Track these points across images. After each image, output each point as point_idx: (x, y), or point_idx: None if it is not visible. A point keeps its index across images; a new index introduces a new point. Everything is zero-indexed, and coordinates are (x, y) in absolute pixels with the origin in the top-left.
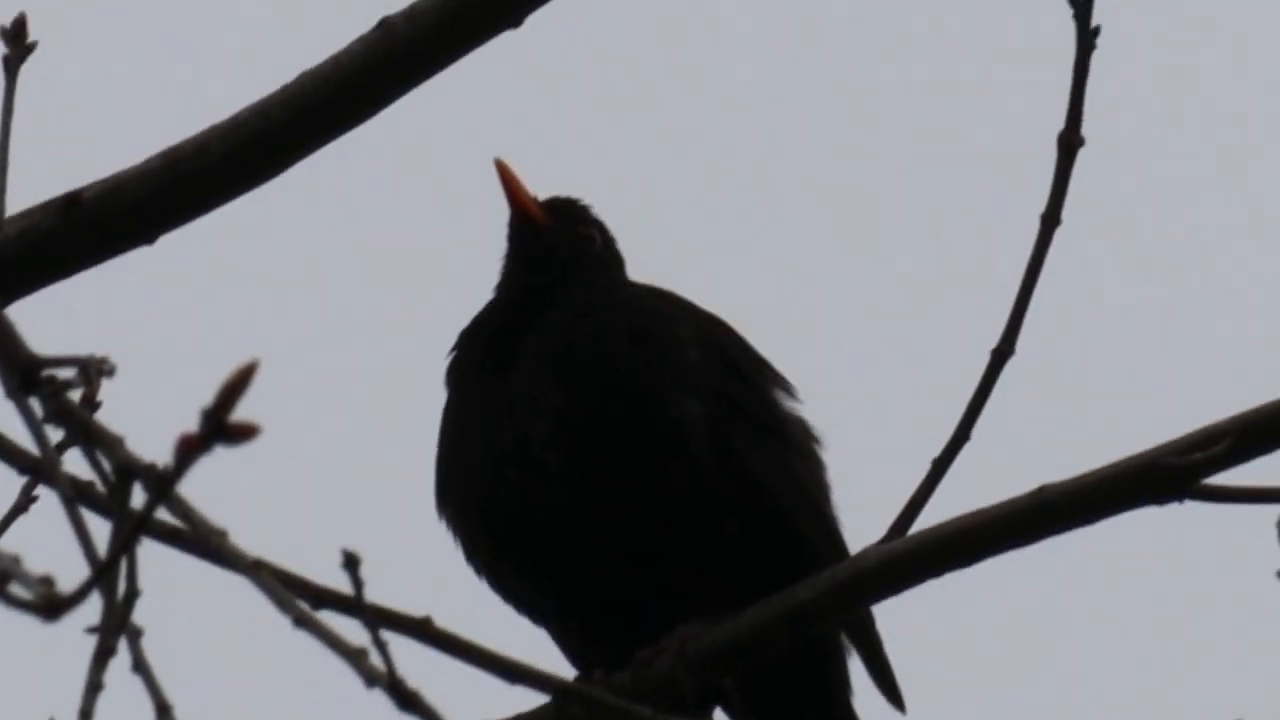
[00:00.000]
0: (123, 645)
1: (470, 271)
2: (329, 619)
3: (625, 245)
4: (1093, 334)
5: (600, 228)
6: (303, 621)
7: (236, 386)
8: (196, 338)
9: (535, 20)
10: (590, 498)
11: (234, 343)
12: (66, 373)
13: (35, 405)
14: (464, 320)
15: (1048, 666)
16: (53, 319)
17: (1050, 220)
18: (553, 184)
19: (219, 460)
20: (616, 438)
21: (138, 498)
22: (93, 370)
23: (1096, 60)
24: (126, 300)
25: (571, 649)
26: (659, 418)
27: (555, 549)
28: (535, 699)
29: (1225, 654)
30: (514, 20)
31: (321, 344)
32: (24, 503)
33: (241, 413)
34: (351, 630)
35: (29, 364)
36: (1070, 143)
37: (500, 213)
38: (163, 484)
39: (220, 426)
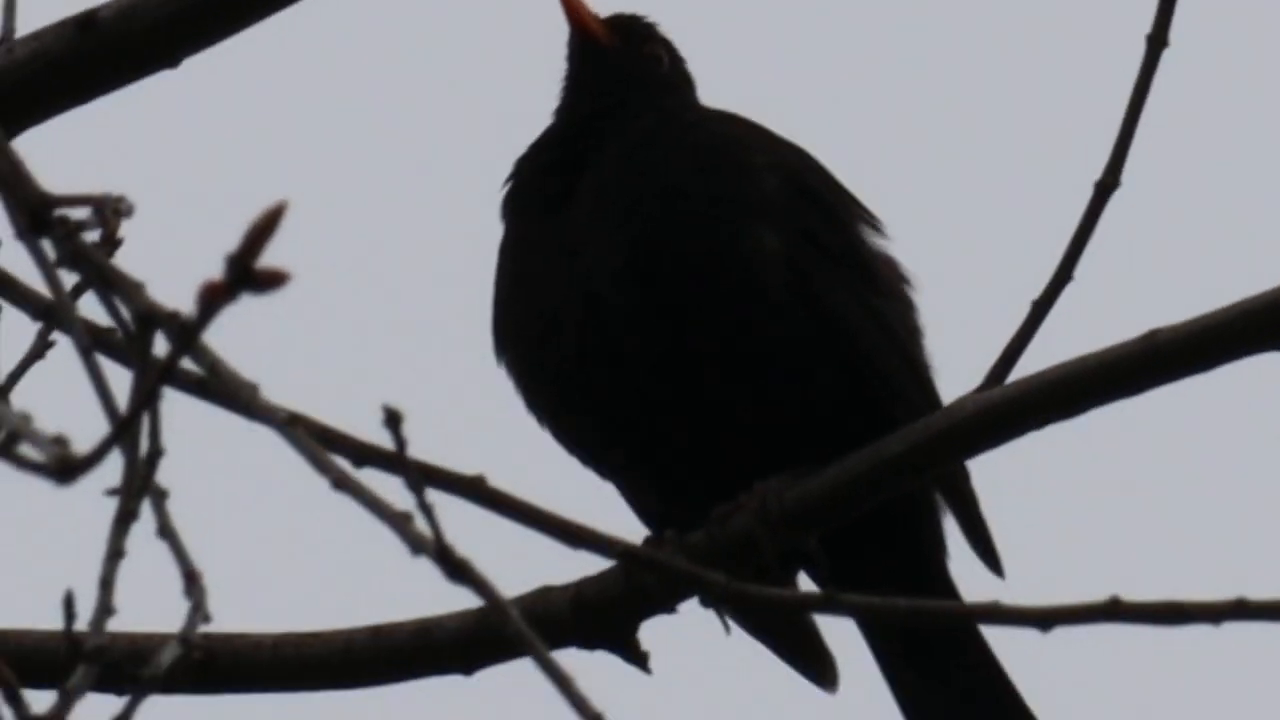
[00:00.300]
0: (146, 508)
1: (528, 95)
2: (370, 479)
3: (696, 67)
4: (1205, 166)
5: (667, 46)
6: (342, 483)
7: (264, 229)
8: (224, 172)
9: None
10: (660, 339)
11: (264, 178)
12: (81, 212)
13: (48, 247)
14: (521, 148)
15: (1153, 530)
16: (66, 150)
17: (1156, 42)
18: (616, 2)
19: (247, 309)
20: (687, 274)
21: (160, 347)
22: (109, 210)
23: None
24: (147, 130)
25: (642, 506)
26: (732, 252)
27: (624, 395)
28: (599, 564)
29: None
30: None
31: (361, 177)
32: (39, 349)
33: (270, 258)
34: (395, 492)
35: (40, 203)
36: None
37: (560, 31)
38: (187, 333)
39: (247, 273)
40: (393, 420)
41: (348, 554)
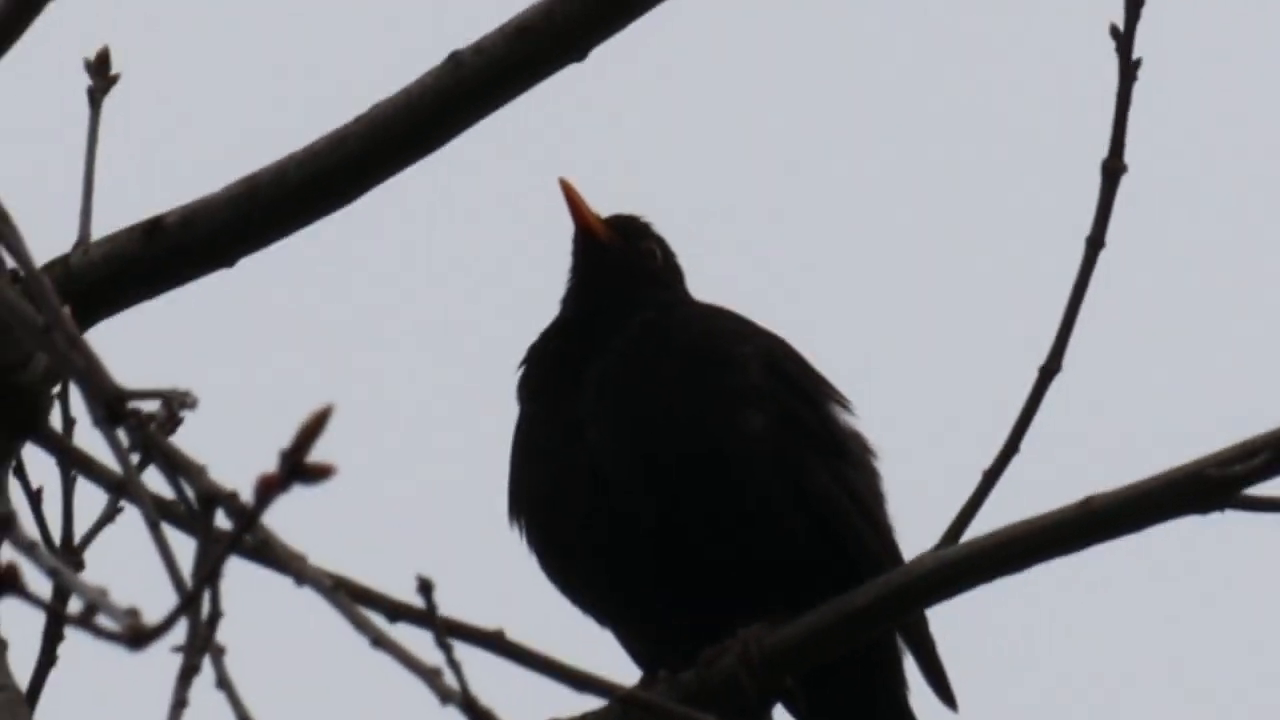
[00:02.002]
0: (206, 663)
1: (538, 289)
2: (404, 636)
3: (685, 260)
4: (1135, 352)
5: (661, 243)
6: (380, 642)
7: (313, 429)
8: (275, 357)
9: (598, 54)
10: (658, 509)
11: (312, 363)
12: (151, 404)
13: (120, 434)
14: (532, 337)
15: (1094, 669)
16: (135, 340)
17: (1095, 243)
18: (615, 203)
19: (297, 495)
20: (683, 453)
21: (219, 521)
22: (175, 403)
23: (1138, 91)
24: (207, 322)
25: (637, 651)
26: (724, 434)
27: (624, 557)
28: (600, 704)
29: (1267, 657)
30: (579, 54)
31: (395, 364)
32: (110, 514)
33: (319, 452)
34: (426, 648)
35: (114, 396)
36: (1114, 169)
37: (565, 231)
38: (247, 518)
39: (298, 467)
40: (425, 588)
41: (384, 704)
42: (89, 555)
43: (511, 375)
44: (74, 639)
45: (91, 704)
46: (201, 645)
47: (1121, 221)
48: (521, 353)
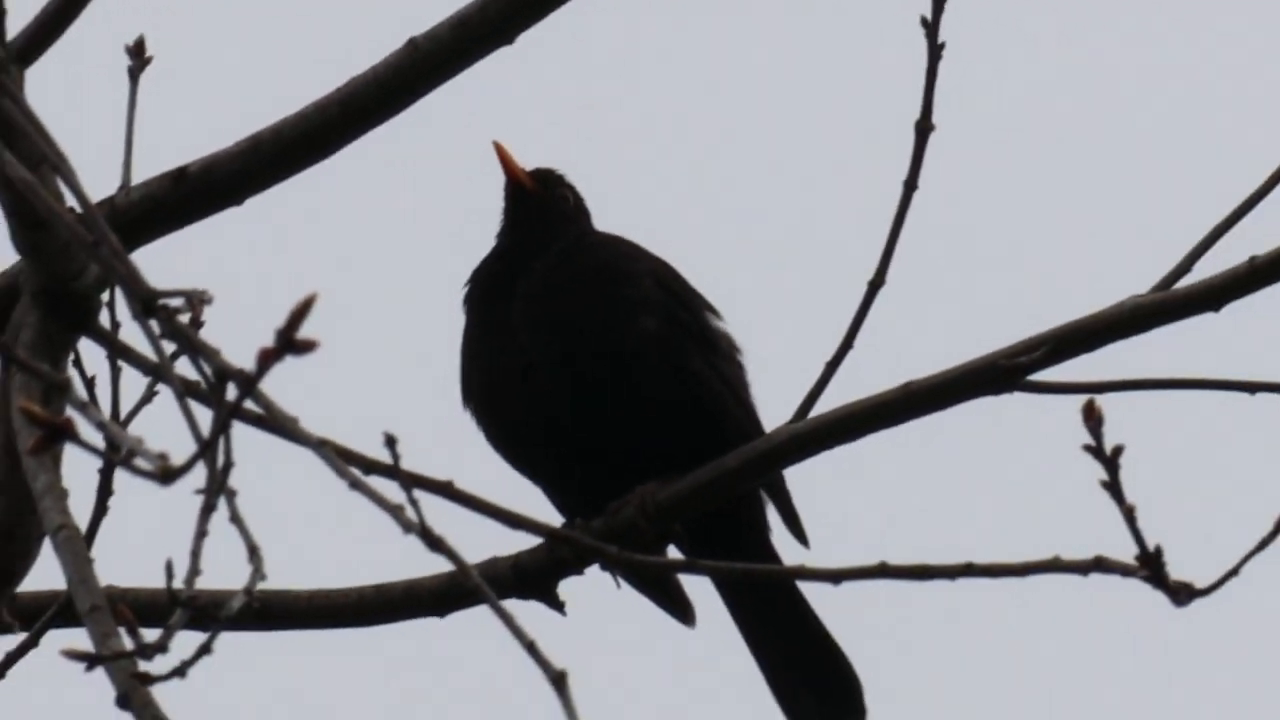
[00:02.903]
0: (222, 503)
1: (479, 226)
2: (376, 484)
3: (591, 202)
4: (944, 270)
5: (572, 190)
6: (356, 485)
7: (301, 312)
8: (273, 273)
9: (525, 39)
10: (573, 394)
11: (302, 278)
12: (177, 301)
13: (155, 326)
14: (473, 262)
15: (922, 521)
16: (165, 261)
17: (909, 186)
18: (536, 159)
19: (291, 366)
20: (593, 350)
21: (230, 393)
22: (196, 299)
23: (942, 67)
24: (222, 245)
25: (560, 503)
26: (625, 335)
27: (550, 431)
28: (531, 541)
29: (1043, 513)
30: (508, 39)
31: (368, 278)
32: (148, 395)
33: (305, 331)
34: (392, 492)
35: (148, 295)
36: (924, 129)
37: (498, 181)
38: (249, 384)
39: (289, 342)
40: (390, 442)
41: (359, 535)
42: (133, 425)
43: (458, 292)
44: (121, 489)
45: (134, 539)
46: (217, 488)
47: (931, 170)
48: (465, 275)
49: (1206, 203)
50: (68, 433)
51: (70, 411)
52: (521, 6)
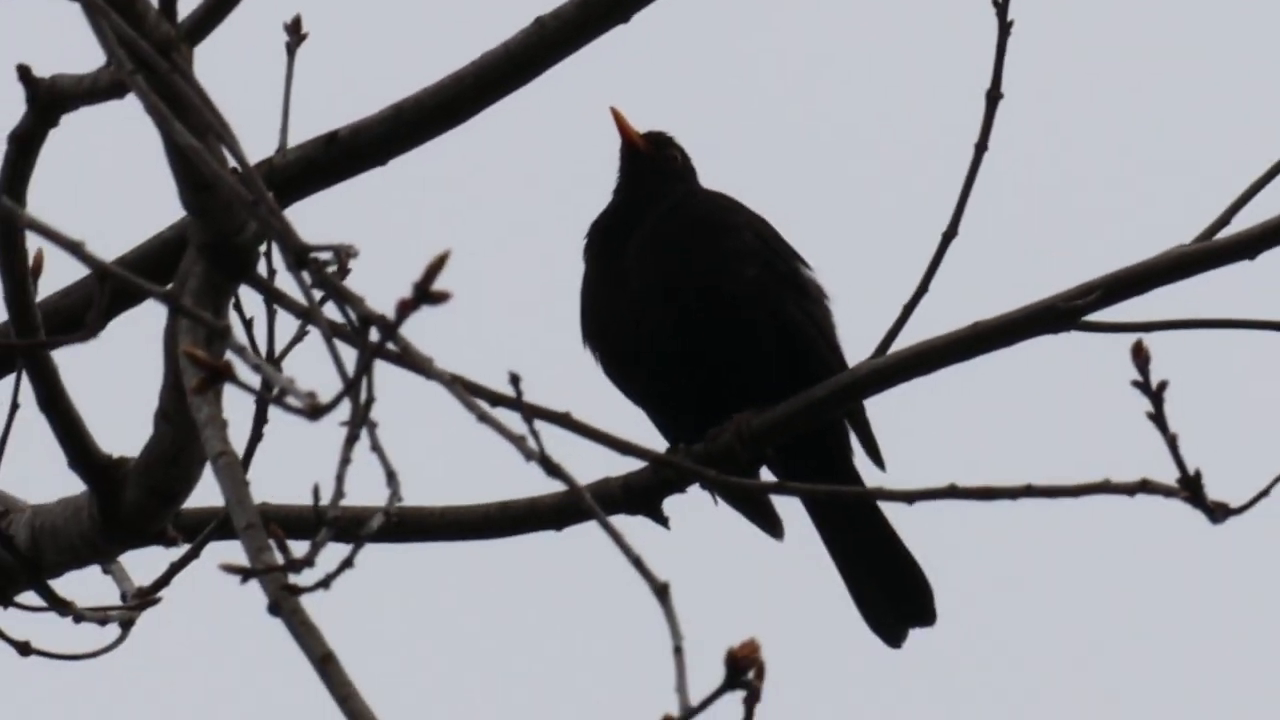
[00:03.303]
0: (364, 434)
1: (600, 183)
2: (501, 416)
3: (697, 162)
4: (1012, 223)
5: (681, 150)
6: (484, 418)
7: (436, 266)
8: (413, 227)
9: (640, 18)
10: (681, 333)
11: (439, 233)
12: (326, 254)
13: (306, 276)
14: (592, 217)
15: (988, 448)
16: (318, 216)
17: (980, 148)
18: (649, 123)
19: (426, 313)
20: (698, 294)
21: (374, 336)
22: (343, 253)
23: (1011, 43)
24: (368, 202)
25: (665, 430)
26: (727, 280)
27: (662, 365)
28: (639, 464)
29: (1095, 442)
30: (624, 18)
31: (500, 231)
32: (299, 336)
33: (439, 283)
34: (515, 423)
35: (301, 249)
36: (994, 96)
37: (615, 143)
38: (390, 329)
39: (425, 293)
40: (514, 379)
41: (488, 460)
42: (286, 365)
43: (579, 243)
44: (274, 419)
45: (285, 464)
46: (360, 420)
47: (999, 132)
48: (584, 229)
49: (1246, 161)
50: (227, 375)
51: (230, 355)
52: None
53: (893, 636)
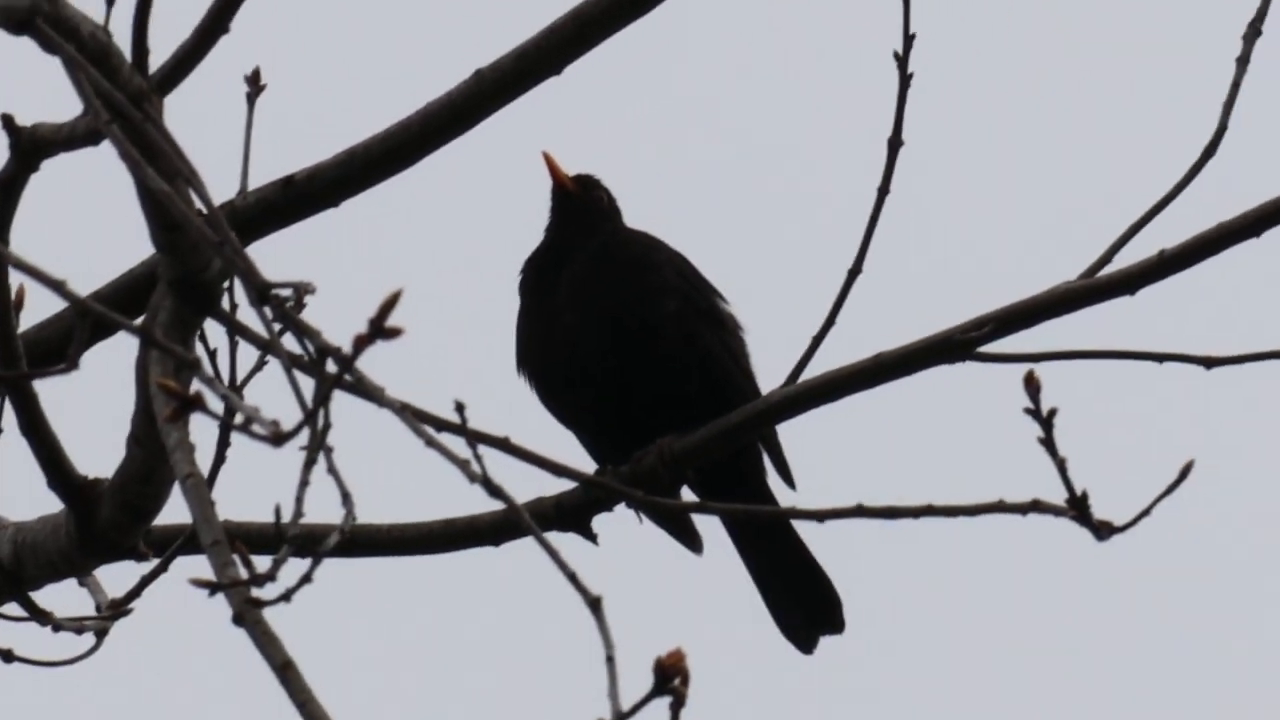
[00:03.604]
0: (321, 458)
1: (533, 222)
2: (447, 440)
3: (622, 202)
4: (911, 261)
5: (607, 192)
6: (431, 443)
7: (390, 304)
8: (364, 265)
9: (570, 70)
10: (609, 362)
11: (388, 270)
12: (286, 291)
13: (267, 311)
14: (525, 254)
15: (892, 470)
16: (275, 253)
17: (882, 191)
18: (577, 166)
19: (381, 347)
20: (624, 327)
21: (330, 367)
22: (301, 289)
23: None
24: (321, 240)
25: (594, 453)
26: (650, 313)
27: (591, 392)
28: (571, 484)
29: (990, 467)
30: (557, 70)
31: (440, 268)
32: (259, 366)
33: (393, 320)
34: (459, 447)
35: (263, 285)
36: (894, 143)
37: (546, 185)
38: (346, 362)
39: (380, 329)
40: (459, 407)
41: (432, 482)
42: (247, 392)
43: (514, 279)
44: (236, 442)
45: (246, 488)
46: (318, 445)
47: (900, 175)
48: (519, 265)
49: (1128, 204)
50: (196, 404)
51: (198, 384)
52: (568, 44)
53: (805, 643)
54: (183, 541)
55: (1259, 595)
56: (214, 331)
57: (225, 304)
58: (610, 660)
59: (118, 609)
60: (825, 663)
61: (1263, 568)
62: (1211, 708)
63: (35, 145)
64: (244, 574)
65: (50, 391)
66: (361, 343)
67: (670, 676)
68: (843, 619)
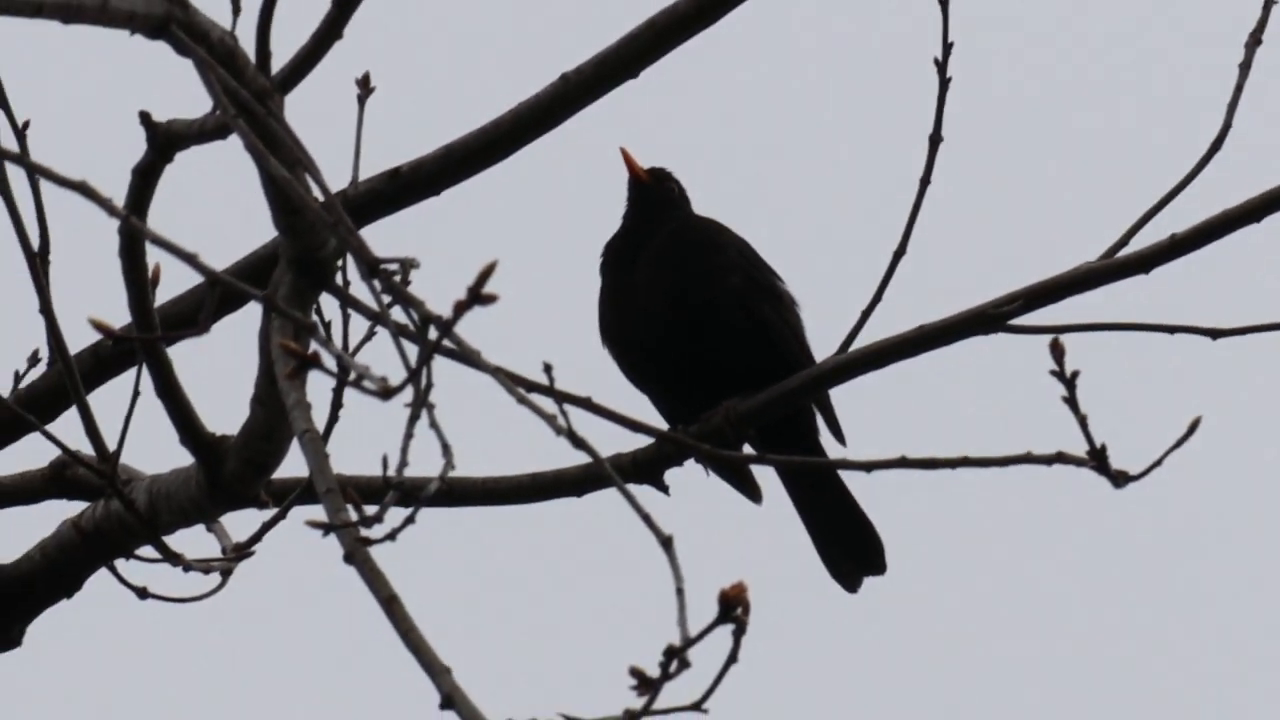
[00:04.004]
0: (424, 414)
1: (613, 210)
2: (536, 400)
3: (691, 193)
4: (950, 239)
5: (678, 183)
6: (522, 400)
7: (486, 273)
8: (463, 247)
9: (646, 74)
10: (681, 333)
11: (485, 251)
12: (393, 266)
13: (376, 284)
14: (605, 239)
15: (932, 430)
16: (384, 235)
17: (924, 181)
18: (651, 160)
19: (477, 313)
20: (695, 300)
21: (432, 333)
22: (407, 265)
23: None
24: (426, 222)
25: (667, 414)
26: (717, 289)
27: (661, 359)
28: (646, 440)
29: (1019, 425)
30: (634, 74)
31: (531, 253)
32: (369, 336)
33: (489, 288)
34: (547, 405)
35: (372, 262)
36: (935, 140)
37: (623, 177)
38: (446, 327)
39: (477, 295)
40: (547, 369)
41: (523, 437)
42: (357, 359)
43: (596, 260)
44: (348, 403)
45: (356, 445)
46: (421, 403)
47: (941, 169)
48: (600, 248)
49: (1144, 190)
50: (314, 363)
51: (315, 347)
52: (644, 51)
53: (850, 583)
54: (300, 491)
55: (1258, 538)
56: (329, 306)
57: (339, 280)
58: (680, 592)
59: (241, 551)
60: (869, 601)
61: (1260, 515)
62: (1207, 635)
63: (170, 139)
64: (354, 517)
65: (182, 358)
66: (461, 308)
67: (733, 606)
68: (884, 562)
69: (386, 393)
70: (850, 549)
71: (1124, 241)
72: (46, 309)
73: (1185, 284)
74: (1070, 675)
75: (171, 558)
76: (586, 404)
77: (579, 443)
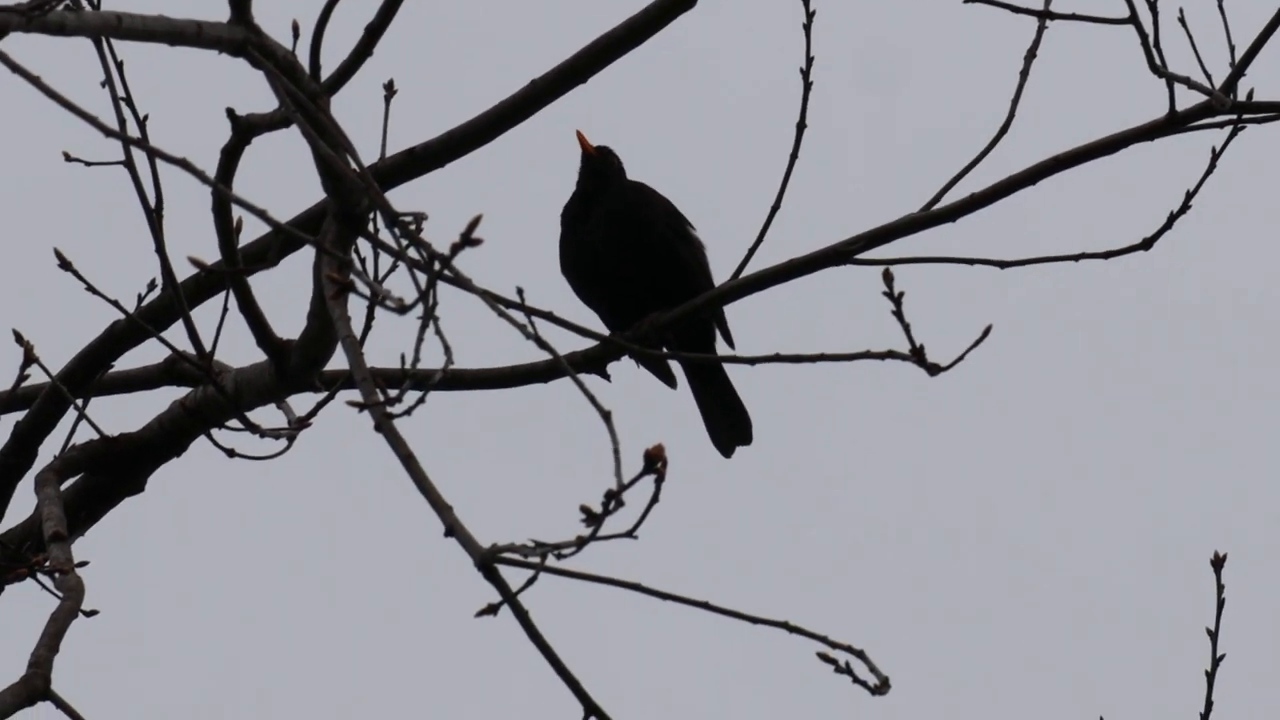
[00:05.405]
0: (431, 329)
1: (569, 178)
2: (512, 314)
3: (627, 162)
4: (814, 194)
5: (617, 157)
6: (501, 314)
7: (474, 223)
8: (462, 204)
9: (595, 80)
10: (621, 264)
11: (477, 206)
12: (409, 217)
13: (396, 231)
14: (564, 198)
15: (801, 338)
16: (406, 196)
17: (793, 157)
18: (599, 139)
19: (468, 252)
20: (631, 242)
21: (436, 265)
22: (418, 217)
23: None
24: (434, 188)
25: (608, 323)
26: (650, 233)
27: (605, 284)
28: (592, 342)
29: (861, 334)
30: (584, 79)
31: (514, 208)
32: (392, 268)
33: (477, 234)
34: (520, 318)
35: (393, 214)
36: (800, 127)
37: (578, 152)
38: (445, 260)
39: (467, 239)
40: (519, 292)
41: (503, 341)
42: (384, 285)
43: (557, 213)
44: (377, 318)
45: (384, 347)
46: (428, 315)
47: (807, 147)
48: (560, 206)
49: (953, 160)
50: (351, 288)
51: (352, 277)
52: (590, 63)
53: (727, 450)
54: (343, 381)
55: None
56: (364, 247)
57: (370, 228)
58: (616, 452)
59: (302, 423)
60: (738, 465)
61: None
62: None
63: (248, 127)
64: (381, 398)
65: (258, 284)
66: (456, 248)
67: (655, 461)
68: (751, 435)
69: (403, 309)
70: (729, 424)
71: (937, 199)
72: (160, 249)
73: (982, 230)
74: (890, 516)
75: (251, 428)
76: (549, 316)
77: (543, 344)
